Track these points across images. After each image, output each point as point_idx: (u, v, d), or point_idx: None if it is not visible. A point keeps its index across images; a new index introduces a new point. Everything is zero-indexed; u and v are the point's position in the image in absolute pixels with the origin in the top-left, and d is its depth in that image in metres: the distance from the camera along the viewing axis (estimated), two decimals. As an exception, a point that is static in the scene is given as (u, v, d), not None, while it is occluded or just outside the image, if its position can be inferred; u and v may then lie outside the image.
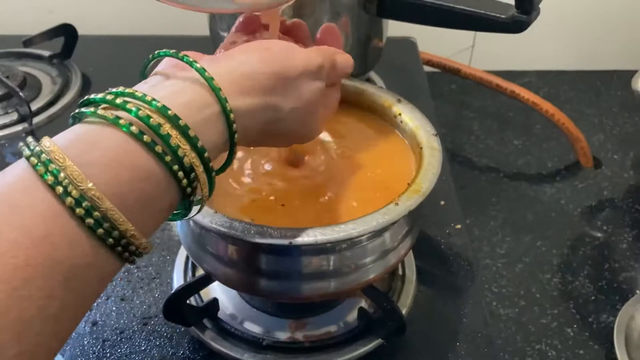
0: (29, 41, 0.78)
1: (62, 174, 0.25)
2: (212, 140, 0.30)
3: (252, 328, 0.48)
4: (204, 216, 0.38)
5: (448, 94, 0.91)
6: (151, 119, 0.27)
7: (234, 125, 0.31)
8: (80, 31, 0.82)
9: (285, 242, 0.37)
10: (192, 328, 0.47)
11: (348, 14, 0.62)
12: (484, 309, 0.50)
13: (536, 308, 0.60)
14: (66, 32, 0.80)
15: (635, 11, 0.91)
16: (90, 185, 0.25)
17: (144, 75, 0.33)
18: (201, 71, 0.30)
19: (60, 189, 0.25)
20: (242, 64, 0.32)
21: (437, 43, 0.92)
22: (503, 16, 0.52)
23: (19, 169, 0.26)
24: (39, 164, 0.26)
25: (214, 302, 0.48)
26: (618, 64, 0.93)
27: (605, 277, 0.63)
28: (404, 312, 0.49)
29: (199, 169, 0.29)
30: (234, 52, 0.34)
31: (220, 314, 0.48)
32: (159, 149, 0.27)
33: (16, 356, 0.23)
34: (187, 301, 0.46)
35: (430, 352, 0.48)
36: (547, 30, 0.89)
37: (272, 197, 0.43)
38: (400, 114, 0.49)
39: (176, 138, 0.28)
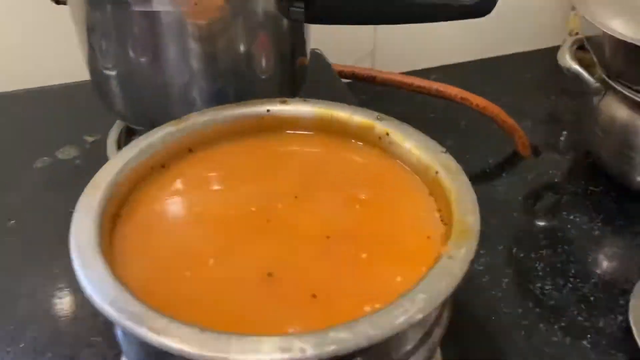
0: None
1: None
2: None
3: None
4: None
5: (363, 104, 0.83)
6: None
7: None
8: None
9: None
10: None
11: (267, 27, 0.52)
12: None
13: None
14: None
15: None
16: None
17: None
18: None
19: None
20: None
21: (336, 52, 0.84)
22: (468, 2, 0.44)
23: None
24: None
25: None
26: (519, 46, 0.91)
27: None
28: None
29: None
30: None
31: None
32: None
33: None
34: None
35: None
36: (446, 23, 0.85)
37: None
38: (387, 134, 0.39)
39: None
